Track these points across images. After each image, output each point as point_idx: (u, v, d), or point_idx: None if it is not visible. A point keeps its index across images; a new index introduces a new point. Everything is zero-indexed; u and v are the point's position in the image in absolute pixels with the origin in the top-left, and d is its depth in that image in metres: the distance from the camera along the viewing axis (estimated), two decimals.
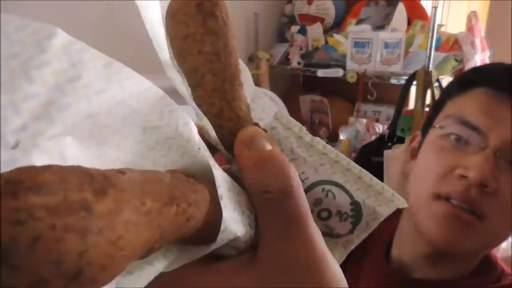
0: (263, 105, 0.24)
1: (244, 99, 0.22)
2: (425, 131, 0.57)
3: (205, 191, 0.17)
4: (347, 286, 0.20)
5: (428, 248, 0.53)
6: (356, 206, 0.24)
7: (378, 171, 1.00)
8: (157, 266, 0.18)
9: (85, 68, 0.16)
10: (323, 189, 0.23)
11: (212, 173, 0.18)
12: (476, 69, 0.57)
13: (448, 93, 0.55)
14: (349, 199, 0.24)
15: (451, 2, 2.10)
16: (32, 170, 0.11)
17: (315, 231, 0.19)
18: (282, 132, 0.23)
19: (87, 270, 0.11)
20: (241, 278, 0.19)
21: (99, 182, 0.12)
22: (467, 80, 0.54)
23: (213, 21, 0.19)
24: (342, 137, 1.67)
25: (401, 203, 0.24)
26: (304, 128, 0.24)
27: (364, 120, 1.67)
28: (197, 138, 0.19)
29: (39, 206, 0.10)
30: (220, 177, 0.18)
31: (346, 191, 0.24)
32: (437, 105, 0.57)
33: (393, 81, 1.58)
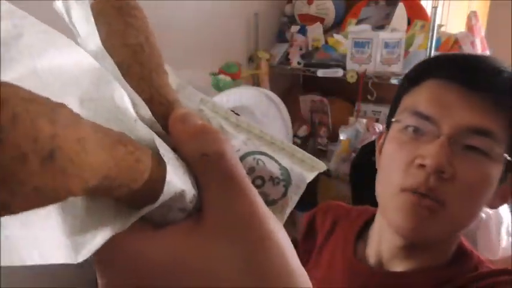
0: (188, 94, 0.26)
1: (171, 86, 0.23)
2: (388, 126, 0.59)
3: (147, 148, 0.19)
4: (288, 238, 0.21)
5: (400, 241, 0.55)
6: (285, 170, 0.26)
7: None
8: (111, 227, 0.18)
9: (26, 30, 0.17)
10: (254, 158, 0.26)
11: (151, 144, 0.19)
12: (426, 62, 0.58)
13: (403, 87, 0.58)
14: (277, 165, 0.26)
15: (451, 2, 2.10)
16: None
17: (252, 188, 0.21)
18: (209, 114, 0.25)
19: (58, 154, 0.13)
20: (191, 238, 0.19)
21: (57, 101, 0.14)
22: (419, 73, 0.56)
23: (133, 20, 0.22)
24: (342, 137, 1.67)
25: (321, 166, 0.27)
26: (229, 111, 0.26)
27: (364, 120, 1.67)
28: (132, 110, 0.20)
29: (15, 95, 0.12)
30: (160, 141, 0.20)
31: (274, 159, 0.26)
32: (395, 101, 0.59)
33: (393, 81, 1.58)
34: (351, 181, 1.47)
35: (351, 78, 1.61)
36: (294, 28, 1.96)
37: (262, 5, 2.04)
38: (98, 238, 0.18)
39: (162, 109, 0.22)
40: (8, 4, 0.17)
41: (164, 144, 0.20)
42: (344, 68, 1.66)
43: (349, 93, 1.83)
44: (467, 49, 1.47)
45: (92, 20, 0.21)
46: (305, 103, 1.94)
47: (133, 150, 0.17)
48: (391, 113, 0.59)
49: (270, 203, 0.26)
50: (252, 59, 2.04)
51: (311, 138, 1.89)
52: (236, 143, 0.25)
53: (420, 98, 0.53)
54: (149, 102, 0.21)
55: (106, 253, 0.19)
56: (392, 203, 0.53)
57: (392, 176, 0.53)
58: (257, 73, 1.97)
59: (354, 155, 1.59)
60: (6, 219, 0.14)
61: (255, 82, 2.01)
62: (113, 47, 0.21)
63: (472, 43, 1.48)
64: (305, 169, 0.27)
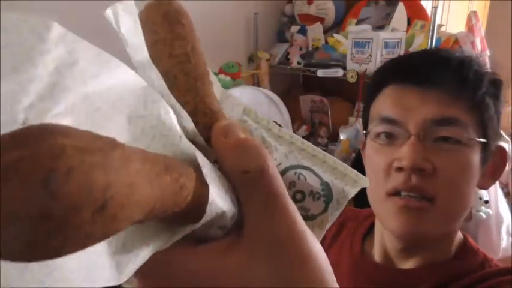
0: (231, 104, 0.25)
1: (215, 96, 0.23)
2: (365, 135, 0.61)
3: (191, 169, 0.19)
4: (326, 258, 0.21)
5: (400, 243, 0.57)
6: (326, 186, 0.26)
7: None
8: (153, 245, 0.19)
9: (80, 55, 0.17)
10: (295, 173, 0.25)
11: (195, 160, 0.19)
12: (380, 71, 0.61)
13: (367, 99, 0.60)
14: (318, 180, 0.26)
15: (451, 2, 2.10)
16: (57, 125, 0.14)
17: (293, 206, 0.21)
18: (252, 125, 0.25)
19: (110, 204, 0.13)
20: (230, 256, 0.20)
21: (108, 140, 0.14)
22: (379, 81, 0.58)
23: (180, 28, 0.21)
24: (342, 137, 1.66)
25: (364, 182, 0.26)
26: (271, 121, 0.26)
27: None
28: (178, 127, 0.20)
29: (69, 145, 0.13)
30: (204, 159, 0.20)
31: (315, 173, 0.26)
32: (365, 111, 0.61)
33: None
34: None
35: (351, 78, 1.61)
36: (294, 28, 1.96)
37: (262, 5, 2.04)
38: (141, 256, 0.18)
39: (205, 120, 0.22)
40: (59, 27, 0.17)
41: (207, 162, 0.20)
42: (344, 68, 1.66)
43: (349, 93, 1.83)
44: (467, 49, 1.47)
45: (140, 30, 0.21)
46: (305, 103, 1.94)
47: (178, 177, 0.17)
48: (365, 123, 0.62)
49: (309, 217, 0.26)
50: (252, 59, 2.04)
51: (311, 138, 1.89)
52: (278, 156, 0.25)
53: (384, 105, 0.56)
54: (193, 113, 0.21)
55: (145, 265, 0.19)
56: (382, 209, 0.54)
57: (376, 183, 0.54)
58: (257, 73, 1.97)
59: (354, 155, 1.59)
60: None
61: (255, 82, 2.01)
62: (159, 56, 0.21)
63: (472, 43, 1.48)
64: (347, 183, 0.26)
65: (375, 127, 0.56)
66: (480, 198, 1.41)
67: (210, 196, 0.19)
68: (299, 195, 0.26)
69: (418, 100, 0.52)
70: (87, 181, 0.13)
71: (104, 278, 0.17)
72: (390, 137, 0.54)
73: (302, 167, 0.26)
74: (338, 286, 0.21)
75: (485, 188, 0.57)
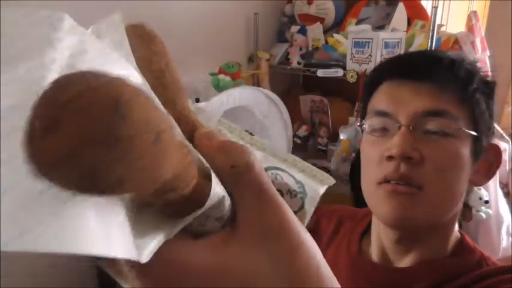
0: (207, 117, 0.28)
1: (191, 109, 0.25)
2: (362, 131, 0.63)
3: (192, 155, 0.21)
4: (316, 244, 0.23)
5: (394, 234, 0.58)
6: (300, 184, 0.29)
7: None
8: (163, 233, 0.20)
9: (89, 46, 0.18)
10: (272, 173, 0.28)
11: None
12: (376, 70, 0.64)
13: (365, 97, 0.63)
14: (293, 179, 0.29)
15: (451, 2, 2.10)
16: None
17: (280, 197, 0.23)
18: (227, 134, 0.28)
19: (162, 137, 0.15)
20: (230, 246, 0.21)
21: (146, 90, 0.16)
22: (373, 81, 0.61)
23: (155, 46, 0.24)
24: (342, 137, 1.67)
25: (330, 181, 0.30)
26: (243, 131, 0.29)
27: None
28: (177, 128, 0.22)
29: (124, 83, 0.15)
30: (197, 153, 0.22)
31: (290, 174, 0.29)
32: (362, 110, 0.64)
33: None
34: (350, 181, 1.47)
35: (351, 78, 1.61)
36: (294, 28, 1.96)
37: (262, 5, 2.04)
38: (155, 241, 0.19)
39: (188, 128, 0.24)
40: (71, 20, 0.18)
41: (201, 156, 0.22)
42: (344, 68, 1.66)
43: (349, 93, 1.83)
44: (467, 49, 1.47)
45: (127, 45, 0.22)
46: (305, 103, 1.94)
47: (187, 152, 0.19)
48: (362, 119, 0.64)
49: None
50: (252, 59, 2.04)
51: (311, 138, 1.89)
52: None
53: (379, 99, 0.59)
54: (176, 122, 0.23)
55: (145, 263, 0.19)
56: (373, 198, 0.57)
57: (369, 173, 0.57)
58: (257, 73, 1.97)
59: (354, 155, 1.59)
60: (85, 208, 0.16)
61: (255, 82, 2.01)
62: (143, 70, 0.23)
63: (472, 43, 1.48)
64: (317, 183, 0.29)
65: (369, 120, 0.59)
66: (480, 198, 1.41)
67: (212, 180, 0.20)
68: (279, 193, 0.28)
69: (409, 93, 0.55)
70: (145, 112, 0.14)
71: (126, 251, 0.17)
72: (383, 129, 0.57)
73: (277, 168, 0.28)
74: (330, 270, 0.23)
75: (479, 184, 0.59)
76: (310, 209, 0.28)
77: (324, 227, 0.73)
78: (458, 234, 0.60)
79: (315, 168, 0.30)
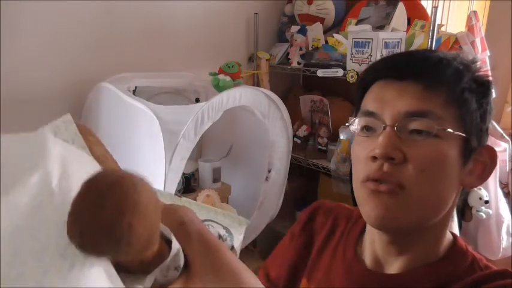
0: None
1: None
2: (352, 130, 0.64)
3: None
4: (250, 272, 0.31)
5: (382, 236, 0.59)
6: (227, 229, 0.38)
7: None
8: (143, 285, 0.26)
9: (70, 157, 0.26)
10: (206, 225, 0.35)
11: None
12: (367, 70, 0.64)
13: (357, 97, 0.63)
14: (221, 226, 0.38)
15: (451, 2, 2.10)
16: None
17: (219, 241, 0.32)
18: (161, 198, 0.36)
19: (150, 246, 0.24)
20: (191, 285, 0.29)
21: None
22: (365, 82, 0.61)
23: (92, 138, 0.31)
24: (342, 137, 1.67)
25: (245, 222, 0.40)
26: (172, 194, 0.38)
27: None
28: None
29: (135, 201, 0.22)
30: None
31: (217, 222, 0.38)
32: (356, 111, 0.64)
33: None
34: (350, 181, 1.47)
35: (351, 78, 1.61)
36: (294, 28, 1.96)
37: (262, 5, 2.04)
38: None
39: None
40: (51, 136, 0.26)
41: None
42: (344, 68, 1.66)
43: (349, 93, 1.83)
44: (467, 49, 1.47)
45: (82, 140, 0.30)
46: (305, 103, 1.94)
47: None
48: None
49: None
50: (252, 59, 2.04)
51: (311, 138, 1.89)
52: None
53: (367, 100, 0.59)
54: None
55: None
56: (359, 196, 0.57)
57: (356, 172, 0.58)
58: (257, 73, 1.97)
59: None
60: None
61: (255, 82, 2.01)
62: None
63: (472, 43, 1.48)
64: (237, 225, 0.39)
65: (357, 120, 0.59)
66: (480, 198, 1.41)
67: (172, 239, 0.27)
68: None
69: (394, 94, 0.55)
70: (144, 229, 0.22)
71: None
72: (370, 129, 0.57)
73: (208, 220, 0.38)
74: None
75: (472, 187, 0.58)
76: (238, 247, 0.38)
77: (319, 226, 0.73)
78: (451, 236, 0.60)
79: (232, 214, 0.40)
